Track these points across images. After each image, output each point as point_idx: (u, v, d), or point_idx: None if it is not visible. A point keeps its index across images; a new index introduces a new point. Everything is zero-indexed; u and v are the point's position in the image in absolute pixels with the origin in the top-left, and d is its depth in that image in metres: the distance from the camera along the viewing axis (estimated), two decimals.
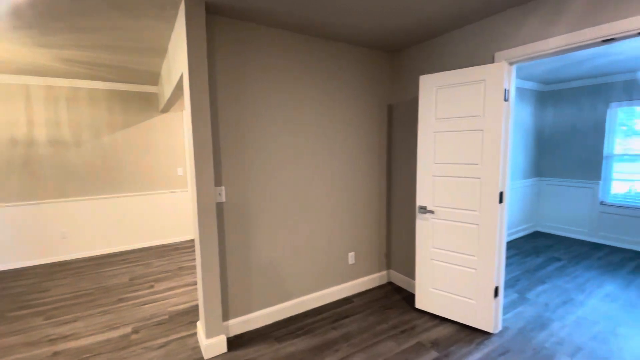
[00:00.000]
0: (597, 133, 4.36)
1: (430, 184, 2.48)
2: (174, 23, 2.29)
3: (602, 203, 4.37)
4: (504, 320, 2.52)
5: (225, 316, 2.35)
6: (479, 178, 2.24)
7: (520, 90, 4.50)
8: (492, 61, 2.20)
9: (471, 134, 2.24)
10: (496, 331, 2.35)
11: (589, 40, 1.72)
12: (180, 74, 2.32)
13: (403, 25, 2.34)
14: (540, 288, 3.07)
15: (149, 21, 2.23)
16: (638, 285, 3.08)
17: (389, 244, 3.25)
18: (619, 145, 4.28)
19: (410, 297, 2.93)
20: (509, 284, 3.17)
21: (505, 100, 2.13)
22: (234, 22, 2.19)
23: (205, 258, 2.07)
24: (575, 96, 4.53)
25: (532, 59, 2.01)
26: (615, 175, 4.31)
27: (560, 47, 1.84)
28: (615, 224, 4.24)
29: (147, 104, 4.51)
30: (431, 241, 2.53)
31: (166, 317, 2.68)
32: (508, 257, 3.91)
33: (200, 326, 2.27)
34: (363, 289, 3.09)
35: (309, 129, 2.60)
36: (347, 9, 2.06)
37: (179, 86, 2.68)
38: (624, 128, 4.22)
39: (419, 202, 2.55)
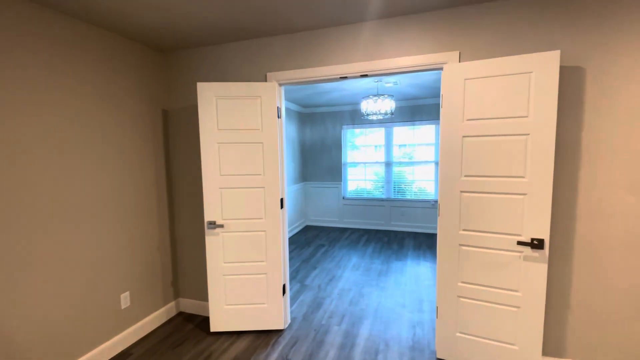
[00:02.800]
0: (337, 147, 5.87)
1: (218, 196, 2.37)
2: None
3: (344, 198, 5.93)
4: (291, 312, 2.81)
5: None
6: (263, 187, 2.37)
7: (287, 111, 5.30)
8: (265, 79, 2.39)
9: (253, 146, 2.33)
10: (286, 326, 2.58)
11: (330, 75, 2.21)
12: None
13: (174, 23, 2.09)
14: (314, 273, 3.70)
15: None
16: (369, 253, 4.38)
17: (176, 270, 2.85)
18: (350, 156, 5.96)
19: (205, 322, 2.68)
20: (292, 276, 3.61)
21: (279, 117, 2.37)
22: None
23: None
24: (323, 119, 5.90)
25: (296, 83, 2.35)
26: (349, 177, 5.97)
27: (312, 78, 2.26)
28: (352, 211, 5.87)
29: None
30: (222, 256, 2.42)
31: None
32: (290, 252, 4.48)
33: None
34: (146, 332, 2.52)
35: (41, 135, 1.80)
36: None
37: None
38: (355, 143, 5.94)
39: (208, 217, 2.38)
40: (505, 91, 1.80)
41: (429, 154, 5.53)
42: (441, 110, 1.98)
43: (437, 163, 5.39)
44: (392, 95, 3.66)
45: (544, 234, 1.78)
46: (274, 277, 2.44)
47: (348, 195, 5.97)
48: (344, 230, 5.73)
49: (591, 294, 1.86)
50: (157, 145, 2.64)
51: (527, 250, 1.83)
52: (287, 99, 5.04)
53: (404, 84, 4.10)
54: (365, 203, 5.79)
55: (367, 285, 3.37)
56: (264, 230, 2.40)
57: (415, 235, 5.26)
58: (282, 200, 2.45)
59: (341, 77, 2.21)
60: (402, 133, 5.65)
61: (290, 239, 5.25)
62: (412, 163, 5.59)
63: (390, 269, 3.80)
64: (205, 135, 2.32)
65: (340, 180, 5.91)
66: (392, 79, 3.76)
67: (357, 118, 5.69)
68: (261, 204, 2.38)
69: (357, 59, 2.15)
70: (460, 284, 2.02)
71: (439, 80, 3.91)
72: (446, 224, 2.01)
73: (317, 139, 6.00)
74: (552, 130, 1.71)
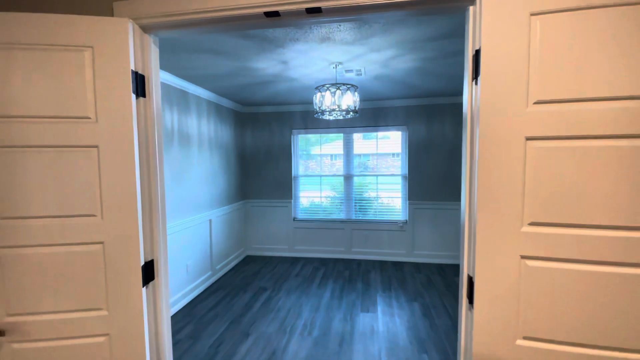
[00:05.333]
0: (286, 156, 4.71)
1: None
2: None
3: (295, 219, 4.76)
4: None
5: None
6: (102, 243, 1.11)
7: (218, 107, 4.03)
8: (112, 14, 1.16)
9: (76, 154, 1.08)
10: None
11: (245, 6, 1.06)
12: None
13: None
14: (244, 347, 2.45)
15: None
16: (327, 301, 3.24)
17: None
18: (302, 167, 4.85)
19: None
20: (209, 357, 2.33)
21: (139, 94, 1.16)
22: None
23: None
24: (267, 121, 4.71)
25: (176, 24, 1.16)
26: (301, 193, 4.84)
27: (210, 13, 1.09)
28: (304, 236, 4.72)
29: None
30: None
31: None
32: (215, 305, 3.17)
33: None
34: None
35: None
36: None
37: None
38: (308, 151, 4.83)
39: None
40: (616, 41, 0.81)
41: (395, 165, 4.63)
42: (473, 87, 0.95)
43: (404, 177, 4.51)
44: (357, 87, 2.65)
45: None
46: None
47: (300, 216, 4.81)
48: (295, 261, 4.54)
49: None
50: None
51: None
52: (216, 92, 3.76)
53: (369, 76, 3.11)
54: (321, 225, 4.68)
55: None
56: (107, 334, 1.13)
57: (381, 266, 4.26)
58: (149, 265, 1.21)
59: (267, 13, 1.07)
60: (364, 140, 4.70)
61: (220, 279, 3.91)
62: (375, 176, 4.64)
63: (357, 329, 2.69)
64: None
65: (291, 198, 4.74)
66: (356, 64, 2.73)
67: (310, 121, 4.60)
68: (99, 276, 1.12)
69: None
70: None
71: (414, 71, 2.99)
72: (489, 324, 0.95)
73: (261, 146, 4.78)
74: None
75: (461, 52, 2.45)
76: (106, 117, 1.08)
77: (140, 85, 1.15)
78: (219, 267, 3.98)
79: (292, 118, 4.64)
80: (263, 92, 3.76)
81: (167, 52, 2.37)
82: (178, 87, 3.16)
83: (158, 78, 1.24)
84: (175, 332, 2.66)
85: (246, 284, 3.72)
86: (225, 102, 4.16)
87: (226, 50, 2.34)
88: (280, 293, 3.43)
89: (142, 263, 1.16)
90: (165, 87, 2.97)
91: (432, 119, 4.30)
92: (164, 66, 2.72)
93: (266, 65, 2.70)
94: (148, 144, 1.19)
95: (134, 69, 1.12)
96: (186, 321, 2.85)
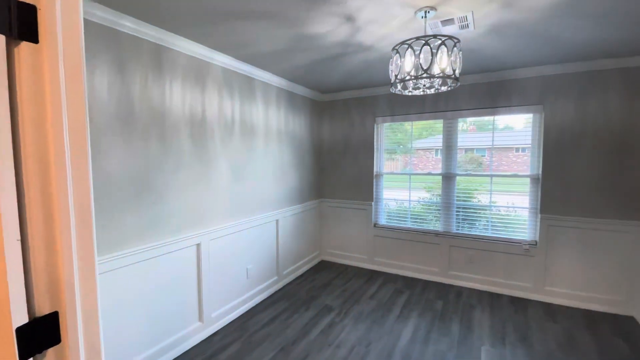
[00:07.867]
0: (367, 149, 3.97)
1: None
2: None
3: (375, 225, 4.00)
4: None
5: None
6: None
7: (291, 95, 3.61)
8: None
9: None
10: None
11: None
12: None
13: None
14: None
15: None
16: (404, 344, 2.42)
17: None
18: (387, 163, 4.03)
19: None
20: None
21: (17, 36, 0.67)
22: None
23: None
24: (347, 108, 4.06)
25: None
26: (385, 195, 4.02)
27: None
28: (387, 247, 3.91)
29: None
30: None
31: None
32: (272, 320, 2.75)
33: None
34: None
35: None
36: None
37: None
38: (394, 143, 3.99)
39: None
40: None
41: (521, 162, 3.33)
42: None
43: (535, 179, 3.18)
44: (457, 40, 1.73)
45: None
46: None
47: (382, 222, 4.02)
48: (373, 276, 3.79)
49: None
50: None
51: None
52: (285, 77, 3.31)
53: (481, 28, 2.08)
54: (408, 236, 3.78)
55: None
56: None
57: (492, 302, 3.09)
58: (48, 321, 0.73)
59: None
60: (474, 127, 3.55)
61: (284, 288, 3.50)
62: (489, 177, 3.44)
63: None
64: None
65: (371, 199, 4.00)
66: (457, 7, 1.79)
67: (398, 105, 3.73)
68: None
69: None
70: None
71: (561, 10, 1.83)
72: None
73: (339, 138, 4.17)
74: None
75: None
76: None
77: (20, 20, 0.67)
78: (286, 272, 3.59)
79: (375, 103, 3.87)
80: (336, 72, 3.12)
81: (203, 25, 1.98)
82: (242, 72, 2.83)
83: (77, 16, 0.74)
84: (218, 350, 2.34)
85: (312, 297, 3.20)
86: (299, 90, 3.70)
87: (265, 8, 1.79)
88: (346, 319, 2.77)
89: (25, 321, 0.69)
90: (226, 72, 2.67)
91: (586, 95, 2.86)
92: (216, 46, 2.38)
93: (326, 27, 2.05)
94: (45, 123, 0.71)
95: None
96: (235, 337, 2.50)
